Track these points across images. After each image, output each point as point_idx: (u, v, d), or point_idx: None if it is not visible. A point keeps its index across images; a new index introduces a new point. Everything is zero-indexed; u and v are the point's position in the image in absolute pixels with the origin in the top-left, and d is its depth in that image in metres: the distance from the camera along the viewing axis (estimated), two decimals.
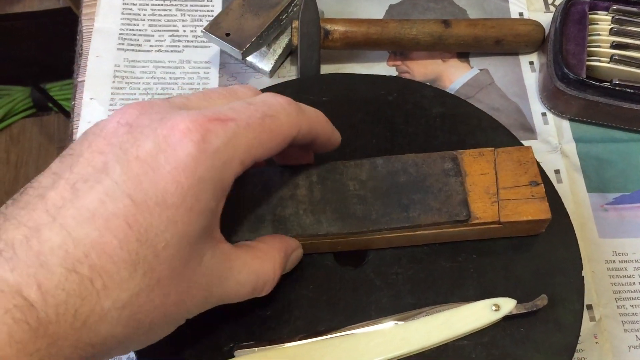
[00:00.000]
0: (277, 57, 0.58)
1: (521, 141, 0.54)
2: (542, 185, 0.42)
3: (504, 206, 0.41)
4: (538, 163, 0.44)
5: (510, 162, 0.43)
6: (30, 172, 1.48)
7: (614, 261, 0.49)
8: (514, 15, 0.62)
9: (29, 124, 1.55)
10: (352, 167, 0.43)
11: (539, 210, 0.41)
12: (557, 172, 0.53)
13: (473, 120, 0.49)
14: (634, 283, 0.48)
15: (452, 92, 0.57)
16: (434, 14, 0.62)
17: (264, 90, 0.50)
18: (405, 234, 0.41)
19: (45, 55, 1.52)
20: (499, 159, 0.43)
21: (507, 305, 0.40)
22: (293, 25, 0.55)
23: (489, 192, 0.42)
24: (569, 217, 0.44)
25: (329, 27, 0.55)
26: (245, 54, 0.54)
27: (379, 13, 0.62)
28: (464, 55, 0.59)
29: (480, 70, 0.59)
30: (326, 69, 0.59)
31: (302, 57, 0.55)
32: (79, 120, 0.55)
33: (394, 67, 0.59)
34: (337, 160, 0.43)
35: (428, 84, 0.57)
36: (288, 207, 0.41)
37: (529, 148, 0.44)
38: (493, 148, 0.44)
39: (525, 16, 0.61)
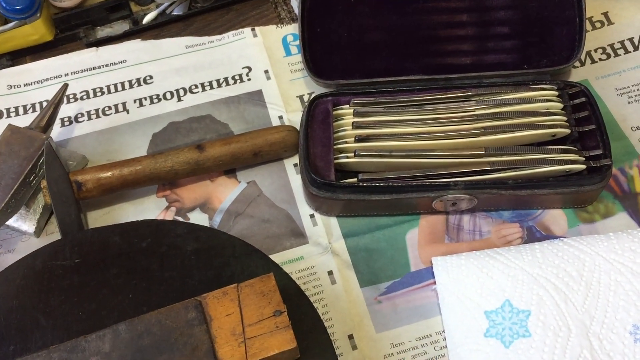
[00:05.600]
0: (38, 216, 0.56)
1: (293, 248, 0.56)
2: (285, 312, 0.42)
3: (251, 345, 0.41)
4: (291, 280, 0.46)
5: (253, 295, 0.43)
6: None
7: (392, 354, 0.50)
8: (274, 119, 0.63)
9: None
10: (94, 341, 0.41)
11: (284, 341, 0.41)
12: (330, 273, 0.54)
13: (227, 249, 0.49)
14: None
15: (223, 212, 0.58)
16: (197, 134, 0.63)
17: (10, 269, 0.49)
18: None
19: None
20: (243, 294, 0.43)
21: None
22: (42, 186, 0.54)
23: (235, 334, 0.42)
24: (326, 332, 0.45)
25: (80, 178, 0.54)
26: None
27: (143, 144, 0.62)
28: (231, 171, 0.60)
29: (248, 183, 0.59)
30: (94, 215, 0.58)
31: (59, 215, 0.54)
32: None
33: (164, 198, 0.59)
34: (80, 336, 0.42)
35: (196, 208, 0.58)
36: None
37: (270, 276, 0.44)
38: (236, 284, 0.44)
39: (285, 119, 0.63)
